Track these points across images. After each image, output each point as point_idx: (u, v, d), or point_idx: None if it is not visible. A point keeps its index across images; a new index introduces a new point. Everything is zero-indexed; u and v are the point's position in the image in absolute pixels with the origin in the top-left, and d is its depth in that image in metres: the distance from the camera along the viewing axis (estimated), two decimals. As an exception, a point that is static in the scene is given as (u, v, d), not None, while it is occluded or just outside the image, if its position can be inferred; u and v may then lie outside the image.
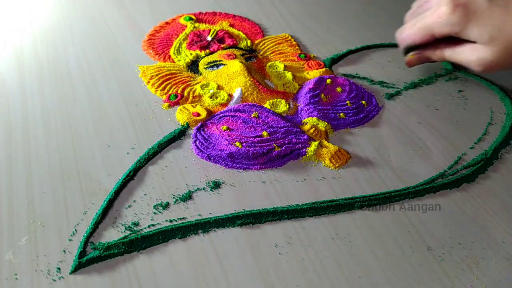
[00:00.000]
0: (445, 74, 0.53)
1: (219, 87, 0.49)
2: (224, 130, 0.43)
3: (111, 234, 0.35)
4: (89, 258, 0.33)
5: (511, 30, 0.41)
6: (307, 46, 0.58)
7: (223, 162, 0.41)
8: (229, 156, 0.41)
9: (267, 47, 0.56)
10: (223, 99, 0.47)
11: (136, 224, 0.35)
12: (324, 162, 0.41)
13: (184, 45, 0.56)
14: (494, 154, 0.43)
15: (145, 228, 0.35)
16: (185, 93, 0.48)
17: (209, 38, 0.57)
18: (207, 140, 0.42)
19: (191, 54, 0.54)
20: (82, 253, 0.33)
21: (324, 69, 0.52)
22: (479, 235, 0.36)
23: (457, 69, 0.53)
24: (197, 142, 0.42)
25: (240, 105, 0.46)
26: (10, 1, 0.64)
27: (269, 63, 0.53)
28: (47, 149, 0.42)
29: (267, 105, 0.46)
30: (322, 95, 0.47)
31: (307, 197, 0.38)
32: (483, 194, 0.39)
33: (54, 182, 0.39)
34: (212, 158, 0.41)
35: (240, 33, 0.58)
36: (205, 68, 0.51)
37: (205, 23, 0.60)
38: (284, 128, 0.43)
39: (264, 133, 0.42)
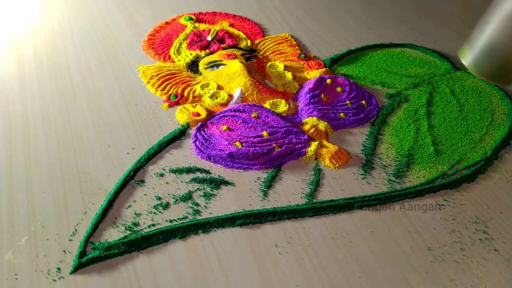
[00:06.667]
0: (445, 74, 0.53)
1: (219, 87, 0.49)
2: (224, 130, 0.43)
3: (111, 234, 0.35)
4: (89, 258, 0.33)
5: None
6: (307, 46, 0.58)
7: (223, 162, 0.41)
8: (229, 156, 0.41)
9: (267, 47, 0.56)
10: (223, 99, 0.47)
11: (136, 224, 0.35)
12: (324, 162, 0.41)
13: (184, 45, 0.56)
14: (494, 154, 0.43)
15: (145, 228, 0.35)
16: (185, 93, 0.48)
17: (209, 38, 0.57)
18: (207, 140, 0.42)
19: (191, 54, 0.54)
20: (82, 253, 0.33)
21: (324, 69, 0.52)
22: (479, 235, 0.36)
23: (457, 69, 0.53)
24: (197, 142, 0.42)
25: (240, 105, 0.46)
26: (10, 1, 0.64)
27: (269, 63, 0.53)
28: (47, 149, 0.42)
29: (267, 105, 0.46)
30: (322, 95, 0.47)
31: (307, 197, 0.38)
32: (483, 194, 0.39)
33: (54, 182, 0.39)
34: (212, 158, 0.41)
35: (240, 33, 0.58)
36: (205, 68, 0.51)
37: (205, 23, 0.60)
38: (284, 128, 0.43)
39: (264, 133, 0.42)
